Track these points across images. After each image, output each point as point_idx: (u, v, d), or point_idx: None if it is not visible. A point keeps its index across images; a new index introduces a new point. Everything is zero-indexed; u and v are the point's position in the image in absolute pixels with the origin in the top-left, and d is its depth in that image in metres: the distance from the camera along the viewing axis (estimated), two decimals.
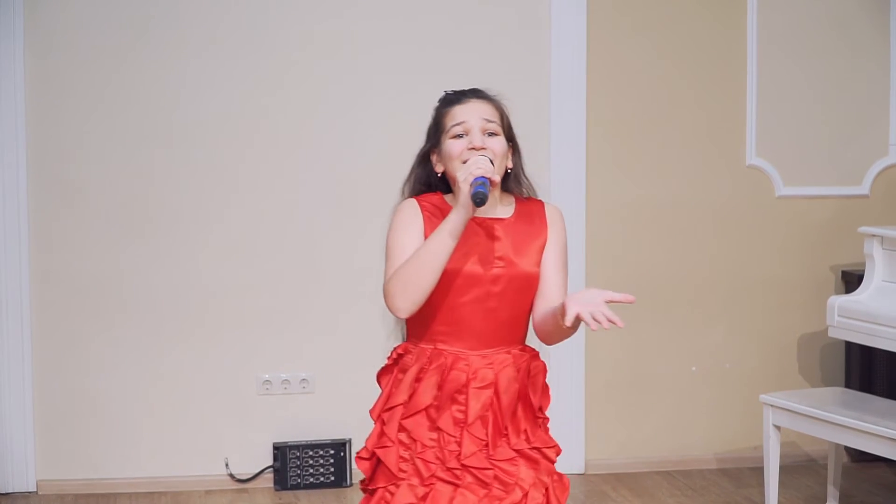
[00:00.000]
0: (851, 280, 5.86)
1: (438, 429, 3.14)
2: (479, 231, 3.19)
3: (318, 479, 5.71)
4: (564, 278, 3.25)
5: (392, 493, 3.14)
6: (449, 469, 3.13)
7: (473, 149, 3.18)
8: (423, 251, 3.10)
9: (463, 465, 3.12)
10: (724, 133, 5.99)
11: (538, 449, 3.18)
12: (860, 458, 5.97)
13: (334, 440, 5.73)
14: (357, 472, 5.74)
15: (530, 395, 3.20)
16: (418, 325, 3.22)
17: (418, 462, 3.14)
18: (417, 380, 3.19)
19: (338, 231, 5.74)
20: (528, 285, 3.21)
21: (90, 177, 5.59)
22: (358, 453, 3.24)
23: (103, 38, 5.55)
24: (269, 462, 5.73)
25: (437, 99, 3.35)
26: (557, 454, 3.23)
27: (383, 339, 3.46)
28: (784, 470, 5.63)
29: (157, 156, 5.62)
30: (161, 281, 5.64)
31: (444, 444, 3.14)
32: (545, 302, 3.20)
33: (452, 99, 3.30)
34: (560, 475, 3.23)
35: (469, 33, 5.76)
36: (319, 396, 5.76)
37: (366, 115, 5.72)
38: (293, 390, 5.75)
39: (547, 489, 3.16)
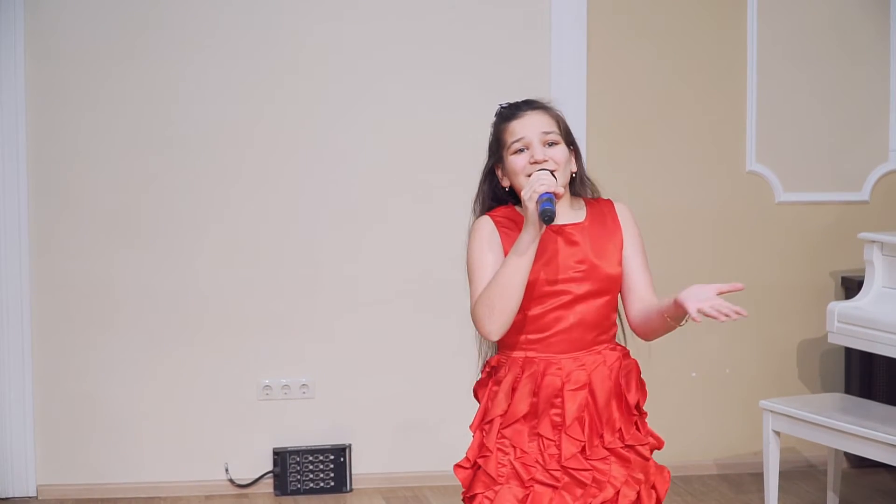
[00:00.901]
0: (851, 286, 5.86)
1: (539, 435, 3.19)
2: (556, 239, 3.23)
3: (317, 484, 5.71)
4: (648, 271, 3.34)
5: (491, 499, 3.18)
6: (548, 471, 3.17)
7: (536, 162, 3.21)
8: (500, 275, 3.14)
9: (563, 467, 3.16)
10: (723, 139, 6.00)
11: (631, 447, 3.23)
12: (860, 463, 5.97)
13: (334, 445, 5.73)
14: (357, 478, 5.75)
15: (625, 393, 3.26)
16: (507, 337, 3.24)
17: (517, 465, 3.18)
18: (513, 389, 3.22)
19: (338, 235, 5.74)
20: (612, 286, 3.27)
21: (90, 182, 5.59)
22: (457, 463, 3.28)
23: (102, 44, 5.56)
24: (269, 467, 5.73)
25: (493, 113, 3.35)
26: (653, 449, 3.28)
27: (472, 355, 3.47)
28: (784, 476, 5.63)
29: (156, 161, 5.62)
30: (161, 286, 5.64)
31: (544, 448, 3.18)
32: (640, 299, 3.29)
33: (508, 114, 3.31)
34: (660, 467, 3.29)
35: (469, 36, 5.76)
36: (319, 402, 5.76)
37: (365, 118, 5.72)
38: (293, 395, 5.75)
39: (640, 487, 3.21)
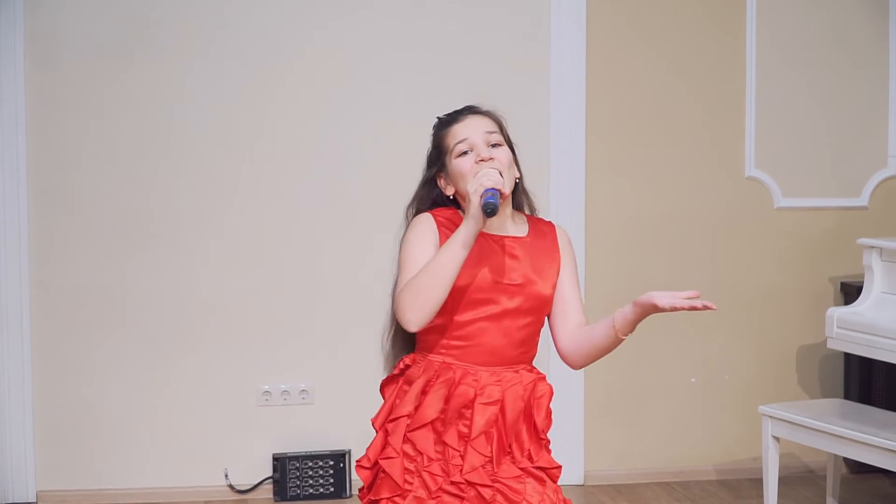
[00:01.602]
0: (850, 291, 5.87)
1: (444, 443, 3.15)
2: (496, 249, 3.20)
3: (317, 489, 5.71)
4: (581, 299, 3.28)
5: None
6: (454, 483, 3.13)
7: (482, 160, 3.19)
8: (433, 263, 3.09)
9: (466, 480, 3.13)
10: (723, 144, 6.01)
11: (543, 469, 3.19)
12: (859, 469, 5.98)
13: (334, 451, 5.73)
14: (357, 483, 5.74)
15: (534, 416, 3.21)
16: (429, 338, 3.22)
17: (425, 475, 3.14)
18: (424, 392, 3.19)
19: (338, 241, 5.75)
20: (543, 306, 3.22)
21: (90, 187, 5.59)
22: (358, 461, 3.24)
23: (103, 49, 5.56)
24: (269, 473, 5.74)
25: (432, 126, 3.34)
26: (560, 475, 3.24)
27: (384, 350, 3.45)
28: (783, 481, 5.63)
29: (157, 166, 5.63)
30: (161, 292, 5.64)
31: (449, 458, 3.15)
32: (574, 322, 3.23)
33: (448, 119, 3.31)
34: (564, 498, 3.23)
35: (468, 42, 5.77)
36: (319, 407, 5.77)
37: (367, 123, 5.73)
38: (293, 401, 5.75)
39: None
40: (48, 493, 5.63)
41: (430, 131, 3.34)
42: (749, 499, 5.73)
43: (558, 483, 3.23)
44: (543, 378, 3.26)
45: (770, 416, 5.23)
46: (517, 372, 3.20)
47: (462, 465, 3.13)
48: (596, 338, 3.18)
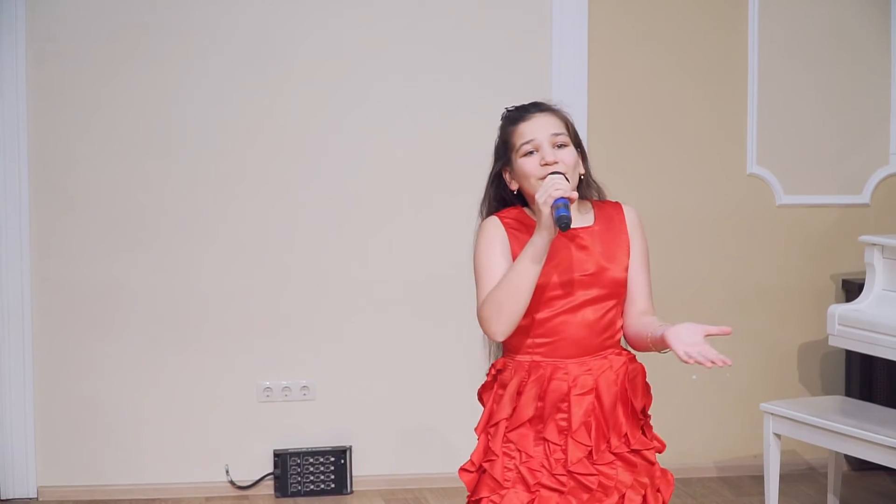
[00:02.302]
0: (852, 289, 5.87)
1: (544, 439, 3.18)
2: (566, 242, 3.22)
3: (318, 486, 5.71)
4: (649, 281, 3.33)
5: (496, 502, 3.17)
6: (554, 476, 3.16)
7: (547, 164, 3.20)
8: (511, 276, 3.12)
9: (569, 472, 3.15)
10: (724, 142, 6.00)
11: (637, 451, 3.21)
12: (860, 466, 5.98)
13: (335, 447, 5.73)
14: (357, 480, 5.75)
15: (631, 398, 3.24)
16: (514, 340, 3.24)
17: (523, 469, 3.17)
18: (518, 393, 3.21)
19: (339, 237, 5.74)
20: (619, 290, 3.26)
21: (91, 184, 5.59)
22: (462, 466, 3.27)
23: (103, 48, 5.56)
24: (270, 469, 5.74)
25: (500, 117, 3.33)
26: (658, 452, 3.26)
27: (472, 358, 3.48)
28: (784, 478, 5.63)
29: (157, 164, 5.63)
30: (162, 288, 5.64)
31: (550, 453, 3.18)
32: (637, 313, 3.28)
33: (516, 116, 3.30)
34: (664, 471, 3.27)
35: (470, 39, 5.77)
36: (320, 404, 5.77)
37: (368, 119, 5.72)
38: (294, 397, 5.75)
39: (646, 491, 3.20)
40: (49, 489, 5.63)
41: (499, 122, 3.32)
42: (750, 496, 5.73)
43: (656, 461, 3.25)
44: (633, 358, 3.31)
45: (771, 414, 5.23)
46: (605, 358, 3.24)
47: (565, 459, 3.16)
48: (642, 341, 3.26)
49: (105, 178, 5.60)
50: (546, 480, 3.16)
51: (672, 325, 3.14)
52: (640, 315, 3.29)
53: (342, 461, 5.72)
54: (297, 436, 5.74)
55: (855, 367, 5.94)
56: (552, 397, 3.18)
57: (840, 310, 5.36)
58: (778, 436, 5.23)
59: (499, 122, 3.33)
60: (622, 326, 3.30)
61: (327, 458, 5.71)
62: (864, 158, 6.11)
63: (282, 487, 5.69)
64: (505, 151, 3.29)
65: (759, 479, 5.70)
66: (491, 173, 3.34)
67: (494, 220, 3.26)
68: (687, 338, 3.09)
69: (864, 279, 5.49)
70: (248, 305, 5.70)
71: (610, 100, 5.89)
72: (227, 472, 5.72)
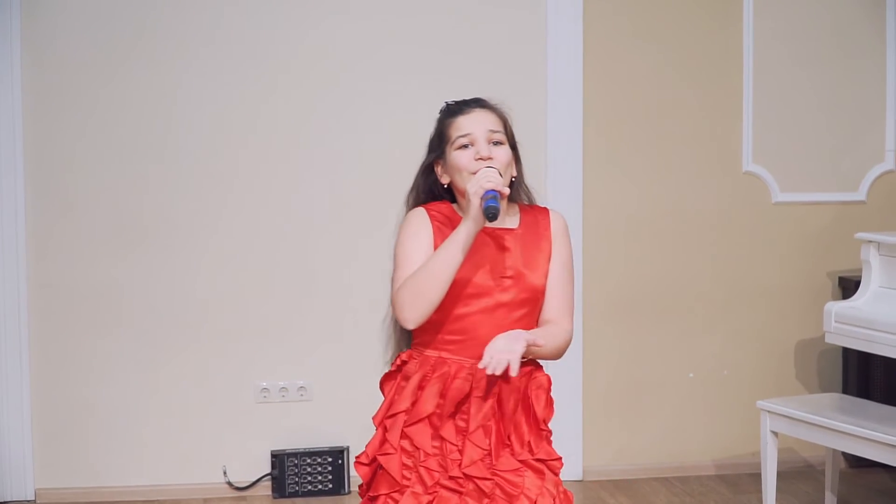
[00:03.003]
0: (848, 286, 5.87)
1: (441, 437, 3.15)
2: (488, 242, 3.21)
3: (316, 486, 5.71)
4: (567, 291, 3.27)
5: (396, 501, 3.16)
6: (452, 478, 3.14)
7: (480, 159, 3.19)
8: (432, 263, 3.11)
9: (465, 474, 3.13)
10: (720, 139, 6.00)
11: (542, 461, 3.19)
12: (858, 463, 5.98)
13: (332, 448, 5.73)
14: (355, 480, 5.74)
15: (534, 407, 3.21)
16: (424, 333, 3.23)
17: (422, 470, 3.15)
18: (420, 388, 3.20)
19: (335, 238, 5.74)
20: (536, 297, 3.23)
21: (87, 186, 5.59)
22: (357, 458, 3.25)
23: (99, 50, 5.56)
24: (268, 470, 5.74)
25: (439, 109, 3.34)
26: (561, 467, 3.23)
27: (383, 347, 3.46)
28: (782, 476, 5.63)
29: (153, 166, 5.62)
30: (159, 290, 5.64)
31: (447, 453, 3.15)
32: (542, 316, 3.25)
33: (455, 109, 3.30)
34: (565, 490, 3.23)
35: (465, 36, 5.76)
36: (317, 404, 5.77)
37: (362, 119, 5.72)
38: (291, 398, 5.75)
39: (554, 499, 3.16)
40: (46, 491, 5.63)
41: (436, 115, 3.33)
42: (748, 493, 5.73)
43: (559, 475, 3.22)
44: (540, 368, 3.27)
45: (768, 411, 5.23)
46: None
47: (460, 460, 3.13)
48: None
49: (101, 180, 5.60)
50: (444, 481, 3.13)
51: (523, 332, 3.12)
52: (544, 322, 3.25)
53: (340, 461, 5.72)
54: (294, 436, 5.74)
55: (852, 365, 5.94)
56: (453, 396, 3.16)
57: (837, 307, 5.36)
58: (775, 433, 5.23)
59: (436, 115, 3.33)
60: None
61: (325, 459, 5.71)
62: (861, 155, 6.11)
63: (279, 488, 5.69)
64: (440, 143, 3.29)
65: (756, 477, 5.70)
66: (422, 164, 3.34)
67: (421, 212, 3.26)
68: (501, 344, 3.08)
69: (860, 276, 5.49)
70: (245, 306, 5.69)
71: (605, 97, 5.88)
72: (225, 473, 5.72)
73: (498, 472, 3.14)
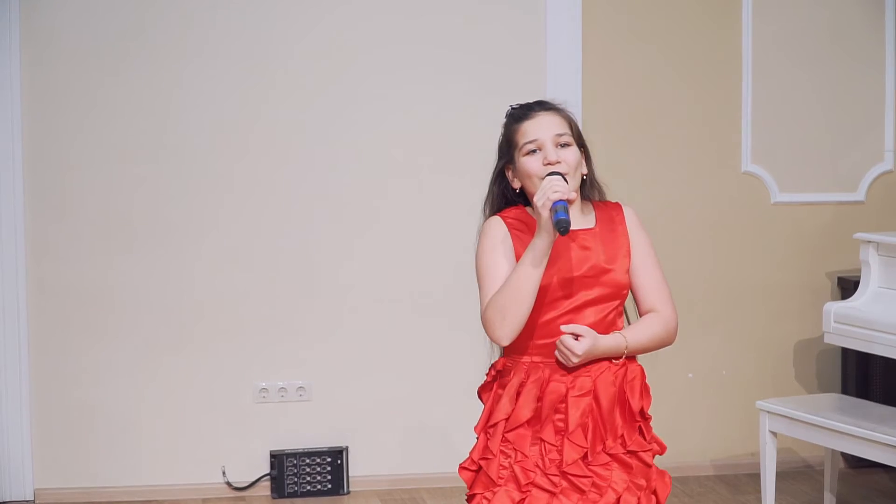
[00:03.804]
0: (847, 286, 5.87)
1: (541, 440, 3.19)
2: (569, 244, 3.22)
3: (315, 486, 5.71)
4: (657, 278, 3.32)
5: (489, 500, 3.19)
6: (547, 476, 3.17)
7: (549, 164, 3.20)
8: (514, 280, 3.13)
9: (562, 473, 3.16)
10: (719, 140, 6.00)
11: (634, 453, 3.22)
12: (857, 464, 5.98)
13: (331, 448, 5.73)
14: (354, 480, 5.75)
15: (629, 399, 3.24)
16: (516, 341, 3.23)
17: (517, 469, 3.18)
18: (517, 394, 3.22)
19: (334, 237, 5.74)
20: (620, 291, 3.26)
21: (86, 186, 5.59)
22: (462, 464, 3.28)
23: (98, 50, 5.56)
24: (267, 470, 5.73)
25: (504, 114, 3.33)
26: (655, 455, 3.26)
27: (467, 357, 3.48)
28: (781, 476, 5.63)
29: (152, 165, 5.62)
30: (158, 290, 5.64)
31: (545, 453, 3.18)
32: (641, 309, 3.30)
33: (520, 114, 3.30)
34: (662, 472, 3.27)
35: (464, 36, 5.76)
36: (316, 404, 5.76)
37: (361, 120, 5.72)
38: (290, 398, 5.75)
39: (641, 493, 3.20)
40: (45, 492, 5.62)
41: (503, 120, 3.33)
42: (747, 494, 5.73)
43: (654, 462, 3.25)
44: (633, 359, 3.30)
45: (767, 412, 5.23)
46: (605, 359, 3.23)
47: (559, 459, 3.16)
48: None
49: (100, 181, 5.59)
50: (539, 480, 3.16)
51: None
52: (646, 313, 3.31)
53: (339, 462, 5.71)
54: (293, 437, 5.74)
55: (851, 365, 5.94)
56: (550, 398, 3.19)
57: (836, 307, 5.36)
58: (774, 434, 5.23)
59: (503, 120, 3.33)
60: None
61: (324, 459, 5.71)
62: (860, 156, 6.11)
63: (278, 488, 5.69)
64: (508, 149, 3.29)
65: (755, 478, 5.70)
66: (494, 171, 3.34)
67: (497, 220, 3.27)
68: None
69: (859, 276, 5.49)
70: (243, 307, 5.69)
71: (604, 97, 5.88)
72: (224, 473, 5.72)
73: (590, 467, 3.17)
